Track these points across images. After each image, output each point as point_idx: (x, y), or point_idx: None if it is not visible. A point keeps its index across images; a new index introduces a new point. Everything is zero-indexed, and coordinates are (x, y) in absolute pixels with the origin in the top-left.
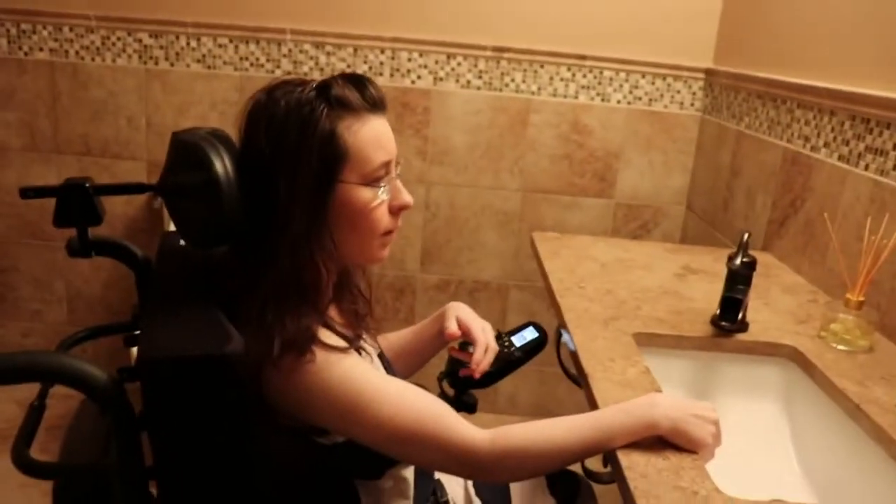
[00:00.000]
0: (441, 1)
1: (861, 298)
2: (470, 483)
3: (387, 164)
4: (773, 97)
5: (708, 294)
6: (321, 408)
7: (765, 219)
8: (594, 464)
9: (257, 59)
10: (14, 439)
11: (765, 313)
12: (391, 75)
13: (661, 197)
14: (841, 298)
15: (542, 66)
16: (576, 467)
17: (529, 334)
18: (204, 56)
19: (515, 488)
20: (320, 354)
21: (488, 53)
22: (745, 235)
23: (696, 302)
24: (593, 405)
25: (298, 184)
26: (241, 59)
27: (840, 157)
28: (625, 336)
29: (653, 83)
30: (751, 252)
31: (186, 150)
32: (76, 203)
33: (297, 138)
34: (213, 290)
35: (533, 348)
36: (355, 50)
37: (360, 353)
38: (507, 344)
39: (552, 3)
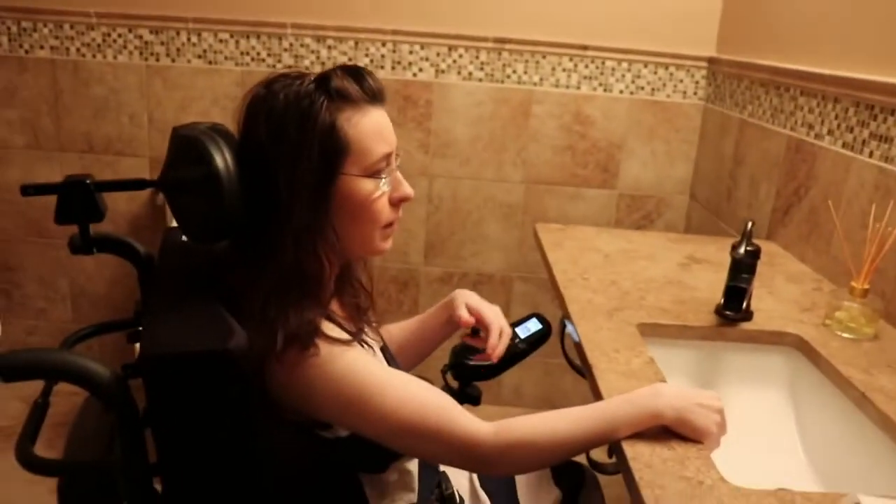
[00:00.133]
0: None
1: (866, 286)
2: (475, 475)
3: (387, 156)
4: (776, 85)
5: (712, 283)
6: (324, 401)
7: (769, 207)
8: (599, 454)
9: (258, 54)
10: (18, 436)
11: (769, 302)
12: (392, 68)
13: (664, 187)
14: (846, 286)
15: (543, 57)
16: (581, 458)
17: (533, 326)
18: (205, 51)
19: (521, 480)
20: (323, 347)
21: (490, 45)
22: (749, 224)
23: (700, 291)
24: (598, 396)
25: (299, 177)
26: (242, 53)
27: (844, 145)
28: (629, 326)
29: (655, 73)
30: (755, 241)
31: (187, 145)
32: (77, 200)
33: (297, 131)
34: (216, 285)
35: (537, 340)
36: (356, 43)
37: (362, 346)
38: (511, 335)
39: None
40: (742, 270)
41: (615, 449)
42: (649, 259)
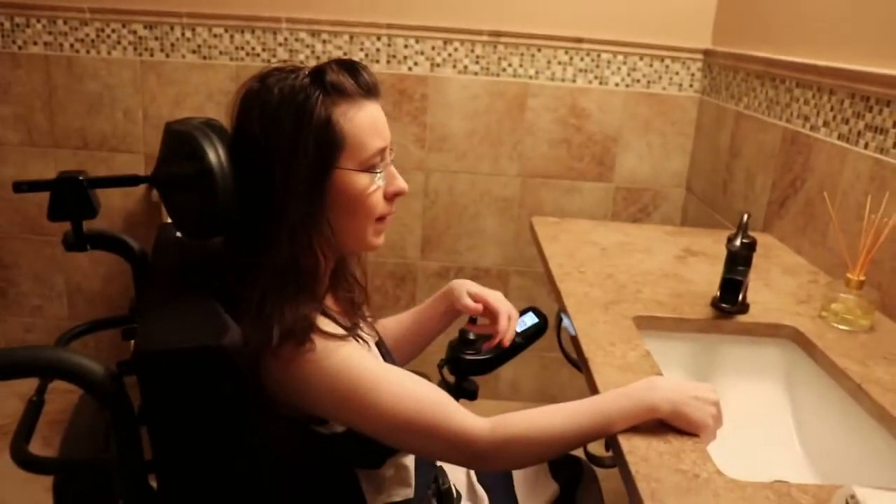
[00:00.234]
0: None
1: (861, 278)
2: (472, 470)
3: (382, 150)
4: (771, 77)
5: (708, 276)
6: (320, 396)
7: (765, 199)
8: (597, 448)
9: (253, 49)
10: (13, 435)
11: (765, 294)
12: (388, 62)
13: (660, 180)
14: (842, 278)
15: (539, 50)
16: (578, 452)
17: (530, 320)
18: (199, 46)
19: (518, 474)
20: (319, 343)
21: (485, 38)
22: (745, 216)
23: (696, 284)
24: (594, 390)
25: (295, 171)
26: (236, 48)
27: (840, 136)
28: (625, 320)
29: (651, 65)
30: (751, 233)
31: (180, 141)
32: (70, 196)
33: (292, 126)
34: (210, 281)
35: (533, 334)
36: (351, 37)
37: (357, 342)
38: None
39: None
40: (738, 263)
41: (611, 442)
42: (645, 252)
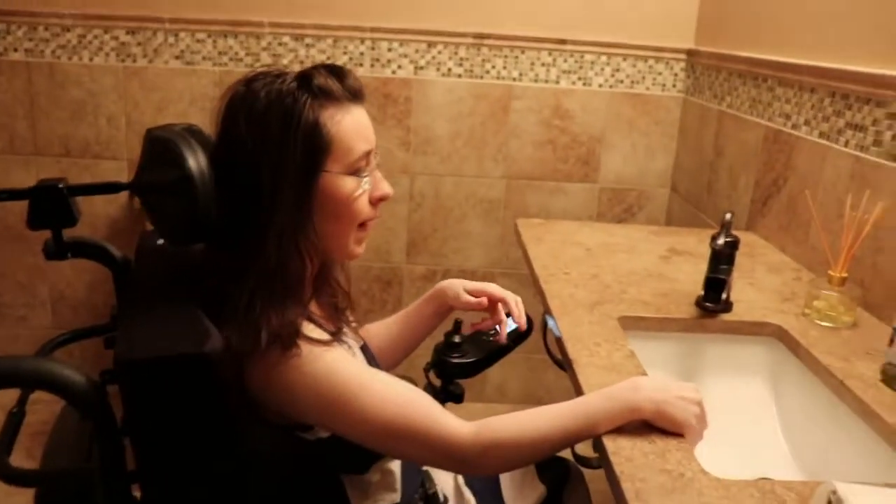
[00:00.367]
0: None
1: (844, 275)
2: (459, 474)
3: (367, 154)
4: (753, 76)
5: (693, 275)
6: (305, 402)
7: (748, 198)
8: (584, 449)
9: (236, 54)
10: None
11: (749, 293)
12: (371, 66)
13: (645, 180)
14: (824, 275)
15: (522, 52)
16: (566, 453)
17: (513, 322)
18: (182, 52)
19: (505, 476)
20: (304, 348)
21: (469, 41)
22: (728, 215)
23: (680, 284)
24: (578, 391)
25: (283, 175)
26: (219, 53)
27: (821, 134)
28: (610, 320)
29: (634, 65)
30: (734, 232)
31: (160, 147)
32: (50, 204)
33: (280, 129)
34: (192, 287)
35: (518, 336)
36: (335, 41)
37: (342, 347)
38: (492, 332)
39: None
40: (721, 262)
41: (596, 443)
42: (630, 252)
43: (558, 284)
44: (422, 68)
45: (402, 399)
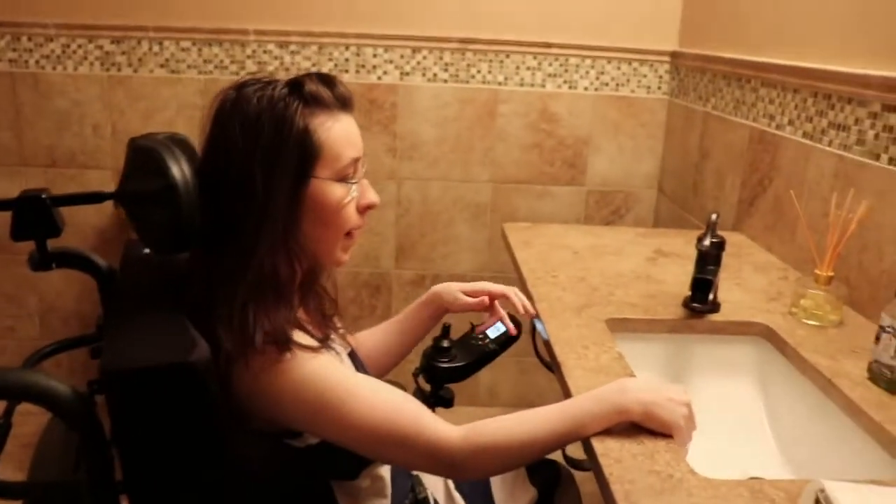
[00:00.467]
0: None
1: (830, 273)
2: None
3: (356, 161)
4: (737, 77)
5: (680, 277)
6: (293, 408)
7: (734, 199)
8: (575, 451)
9: (221, 62)
10: None
11: (737, 293)
12: (357, 72)
13: (631, 182)
14: (811, 274)
15: (507, 56)
16: (556, 455)
17: (502, 325)
18: (167, 60)
19: (496, 480)
20: (290, 354)
21: (454, 45)
22: (714, 216)
23: (668, 285)
24: (567, 393)
25: (275, 179)
26: (204, 61)
27: (804, 134)
28: (598, 323)
29: (619, 68)
30: (721, 232)
31: (143, 156)
32: (33, 215)
33: (272, 134)
34: (178, 296)
35: (507, 339)
36: (320, 48)
37: (330, 353)
38: (481, 336)
39: None
40: (708, 262)
41: (585, 445)
42: (618, 254)
43: (546, 287)
44: (407, 74)
45: (389, 405)
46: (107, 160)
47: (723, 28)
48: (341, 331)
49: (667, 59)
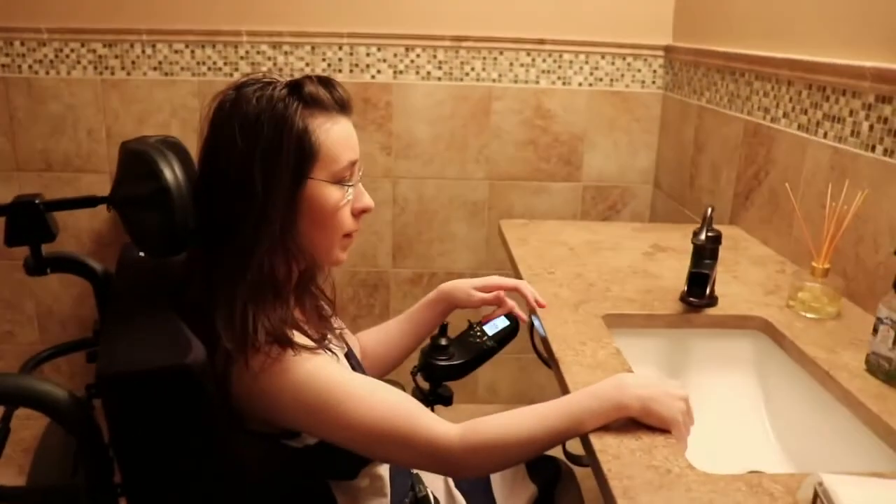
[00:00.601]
0: None
1: (826, 266)
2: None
3: (353, 164)
4: (731, 70)
5: (677, 271)
6: (291, 408)
7: (730, 192)
8: (575, 447)
9: (215, 63)
10: None
11: (734, 287)
12: (350, 71)
13: (627, 177)
14: (808, 267)
15: (501, 53)
16: (557, 451)
17: (501, 323)
18: (160, 63)
19: (496, 477)
20: (289, 354)
21: (447, 43)
22: (709, 210)
23: (665, 280)
24: (564, 390)
25: (275, 180)
26: (198, 63)
27: (799, 127)
28: (595, 319)
29: (613, 63)
30: (717, 226)
31: (136, 160)
32: (27, 220)
33: (272, 134)
34: (174, 298)
35: (505, 336)
36: (313, 48)
37: (327, 353)
38: (479, 333)
39: None
40: (704, 256)
41: (583, 441)
42: (614, 250)
43: (543, 284)
44: (401, 72)
45: (387, 404)
46: (102, 164)
47: (716, 21)
48: (338, 331)
49: (661, 53)
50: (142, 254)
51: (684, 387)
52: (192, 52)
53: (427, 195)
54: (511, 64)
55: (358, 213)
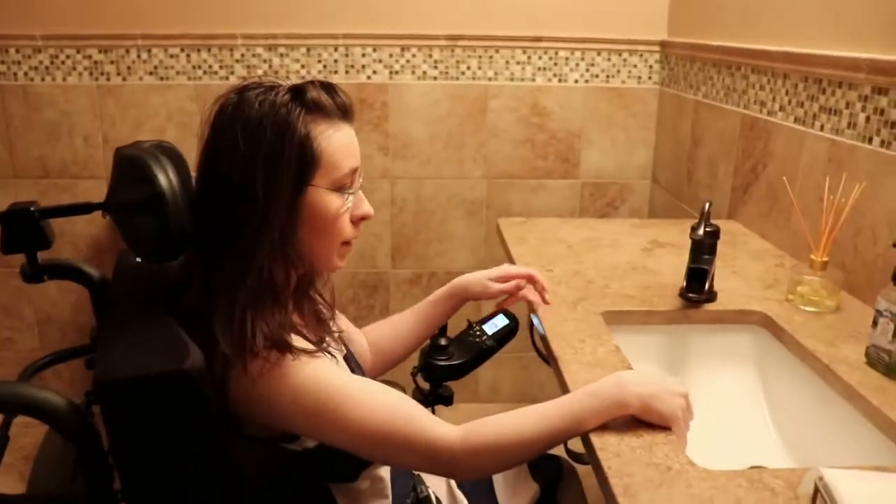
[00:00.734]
0: None
1: (825, 259)
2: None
3: (354, 172)
4: (727, 64)
5: (675, 267)
6: (290, 412)
7: (728, 187)
8: (577, 445)
9: (210, 67)
10: None
11: (733, 281)
12: (346, 72)
13: (625, 173)
14: (806, 261)
15: (497, 51)
16: (559, 450)
17: (501, 321)
18: (156, 67)
19: (498, 476)
20: (288, 358)
21: (442, 42)
22: (707, 205)
23: (663, 276)
24: (564, 388)
25: (276, 185)
26: (193, 67)
27: (796, 120)
28: (594, 316)
29: (609, 59)
30: (716, 221)
31: (129, 166)
32: (22, 228)
33: (274, 139)
34: (171, 303)
35: (505, 335)
36: (308, 50)
37: (326, 356)
38: (478, 333)
39: None
40: (702, 252)
41: (583, 440)
42: (613, 246)
43: None
44: (397, 72)
45: (387, 407)
46: (99, 170)
47: (712, 15)
48: (336, 333)
49: (656, 48)
50: (138, 259)
51: (684, 383)
52: (188, 56)
53: (425, 195)
54: (507, 62)
55: (357, 221)
